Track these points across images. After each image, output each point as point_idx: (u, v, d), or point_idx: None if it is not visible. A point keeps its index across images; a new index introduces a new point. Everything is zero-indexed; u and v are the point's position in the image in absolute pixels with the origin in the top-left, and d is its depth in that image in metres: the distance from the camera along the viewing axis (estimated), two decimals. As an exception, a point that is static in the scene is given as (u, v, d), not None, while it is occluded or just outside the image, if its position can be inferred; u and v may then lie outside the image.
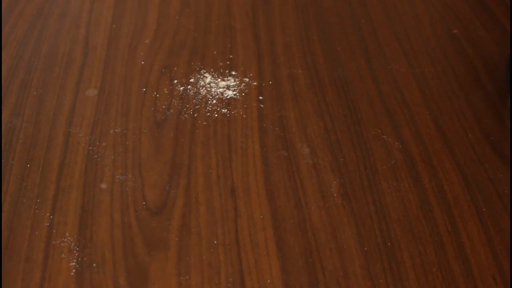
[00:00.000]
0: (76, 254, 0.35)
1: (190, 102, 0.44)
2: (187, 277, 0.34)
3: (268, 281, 0.34)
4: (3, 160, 0.40)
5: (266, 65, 0.48)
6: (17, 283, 0.33)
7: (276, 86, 0.46)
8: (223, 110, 0.44)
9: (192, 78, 0.47)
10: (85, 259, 0.34)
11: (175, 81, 0.46)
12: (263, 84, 0.46)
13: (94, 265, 0.34)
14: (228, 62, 0.48)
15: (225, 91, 0.45)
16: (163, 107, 0.44)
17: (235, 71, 0.47)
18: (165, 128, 0.42)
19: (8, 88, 0.45)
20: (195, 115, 0.43)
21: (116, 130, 0.42)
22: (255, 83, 0.46)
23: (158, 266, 0.34)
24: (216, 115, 0.43)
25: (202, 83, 0.46)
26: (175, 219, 0.37)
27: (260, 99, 0.45)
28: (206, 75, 0.47)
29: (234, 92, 0.45)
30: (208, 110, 0.44)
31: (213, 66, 0.48)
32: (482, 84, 0.48)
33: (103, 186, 0.38)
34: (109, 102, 0.44)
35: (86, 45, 0.50)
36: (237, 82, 0.46)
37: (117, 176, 0.39)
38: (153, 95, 0.45)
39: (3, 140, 0.41)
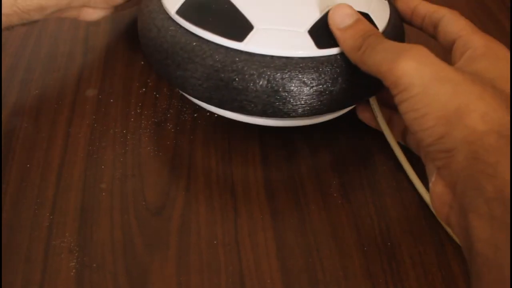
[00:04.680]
0: (76, 254, 0.35)
1: (190, 102, 0.44)
2: (187, 277, 0.34)
3: (268, 281, 0.34)
4: (3, 160, 0.40)
5: (266, 65, 0.48)
6: (17, 283, 0.33)
7: (276, 86, 0.46)
8: (223, 110, 0.44)
9: (192, 78, 0.46)
10: (85, 259, 0.34)
11: (175, 81, 0.46)
12: (263, 84, 0.46)
13: (94, 265, 0.34)
14: (228, 62, 0.48)
15: (225, 91, 0.45)
16: (163, 107, 0.44)
17: (235, 71, 0.47)
18: (165, 128, 0.42)
19: (8, 88, 0.45)
20: (195, 115, 0.43)
21: (116, 130, 0.42)
22: (255, 83, 0.46)
23: (158, 266, 0.34)
24: (215, 115, 0.43)
25: (202, 83, 0.46)
26: (175, 219, 0.37)
27: (260, 99, 0.45)
28: (206, 75, 0.47)
29: (234, 92, 0.45)
30: (208, 110, 0.44)
31: (213, 66, 0.48)
32: (482, 84, 0.48)
33: (103, 186, 0.38)
34: (109, 102, 0.44)
35: (86, 45, 0.50)
36: (237, 82, 0.46)
37: (117, 176, 0.39)
38: (153, 95, 0.45)
39: (3, 140, 0.41)
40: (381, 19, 0.39)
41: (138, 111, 0.44)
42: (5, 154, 0.40)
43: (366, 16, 0.37)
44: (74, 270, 0.34)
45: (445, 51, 0.37)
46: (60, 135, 0.42)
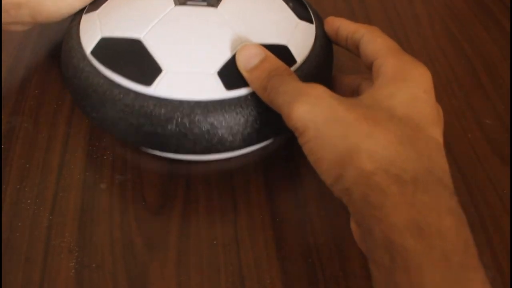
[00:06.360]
0: (76, 255, 0.35)
1: (190, 102, 0.44)
2: (187, 277, 0.34)
3: (268, 281, 0.34)
4: (2, 160, 0.40)
5: (265, 65, 0.48)
6: (17, 283, 0.33)
7: (276, 86, 0.46)
8: (222, 110, 0.44)
9: (191, 78, 0.46)
10: (84, 259, 0.34)
11: (175, 81, 0.46)
12: (263, 84, 0.46)
13: (94, 265, 0.34)
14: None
15: (224, 91, 0.45)
16: (163, 107, 0.44)
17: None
18: (165, 128, 0.42)
19: (8, 88, 0.45)
20: (195, 115, 0.43)
21: (116, 130, 0.42)
22: (254, 83, 0.46)
23: (157, 266, 0.34)
24: (215, 115, 0.43)
25: (201, 83, 0.46)
26: (175, 219, 0.37)
27: (260, 99, 0.45)
28: (206, 75, 0.47)
29: (234, 92, 0.45)
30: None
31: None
32: (482, 84, 0.48)
33: (103, 186, 0.38)
34: (108, 102, 0.44)
35: (85, 45, 0.50)
36: (237, 82, 0.46)
37: (117, 176, 0.39)
38: (153, 95, 0.45)
39: (2, 140, 0.41)
40: (303, 48, 0.38)
41: (138, 111, 0.44)
42: (5, 154, 0.40)
43: (283, 48, 0.37)
44: (73, 270, 0.34)
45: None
46: (60, 135, 0.42)
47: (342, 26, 0.38)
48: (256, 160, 0.41)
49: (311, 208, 0.38)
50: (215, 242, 0.36)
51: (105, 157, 0.40)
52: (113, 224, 0.36)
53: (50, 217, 0.36)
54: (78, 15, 0.41)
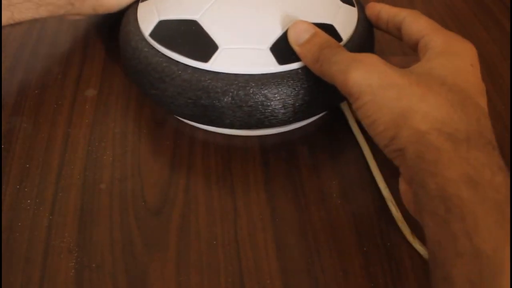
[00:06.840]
0: (75, 255, 0.35)
1: (190, 102, 0.44)
2: (187, 277, 0.34)
3: (268, 281, 0.34)
4: (2, 160, 0.40)
5: (265, 65, 0.48)
6: (16, 283, 0.33)
7: (276, 86, 0.46)
8: (222, 110, 0.44)
9: (191, 78, 0.46)
10: (84, 259, 0.34)
11: (175, 81, 0.46)
12: (263, 84, 0.46)
13: (93, 265, 0.34)
14: (227, 62, 0.48)
15: (224, 91, 0.45)
16: (163, 107, 0.44)
17: (235, 71, 0.47)
18: (165, 128, 0.42)
19: (8, 88, 0.45)
20: (195, 115, 0.43)
21: (116, 130, 0.42)
22: (254, 83, 0.46)
23: (157, 266, 0.34)
24: (215, 115, 0.43)
25: (201, 83, 0.46)
26: (175, 219, 0.37)
27: (260, 99, 0.45)
28: (206, 75, 0.47)
29: (234, 92, 0.45)
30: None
31: (212, 66, 0.47)
32: (482, 84, 0.48)
33: (103, 186, 0.38)
34: (108, 102, 0.44)
35: (85, 45, 0.50)
36: (237, 82, 0.46)
37: (117, 177, 0.39)
38: (153, 95, 0.45)
39: (2, 140, 0.41)
40: (347, 28, 0.40)
41: (138, 111, 0.44)
42: (5, 154, 0.40)
43: (330, 27, 0.39)
44: (73, 270, 0.34)
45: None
46: (60, 135, 0.42)
47: (383, 10, 0.40)
48: (256, 160, 0.41)
49: (311, 208, 0.38)
50: (215, 242, 0.36)
51: (105, 157, 0.40)
52: (113, 224, 0.36)
53: (50, 217, 0.36)
54: (133, 4, 0.44)
